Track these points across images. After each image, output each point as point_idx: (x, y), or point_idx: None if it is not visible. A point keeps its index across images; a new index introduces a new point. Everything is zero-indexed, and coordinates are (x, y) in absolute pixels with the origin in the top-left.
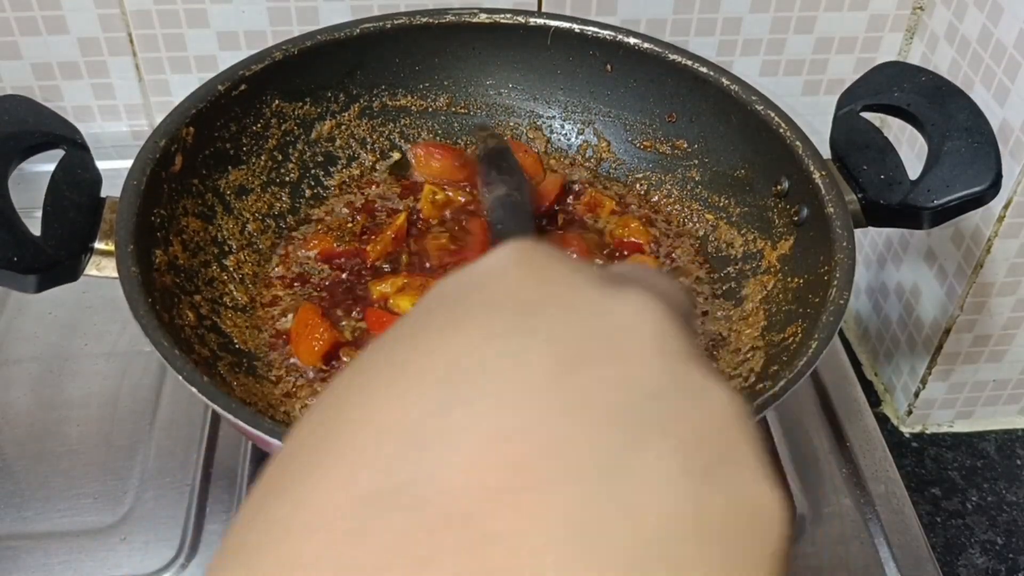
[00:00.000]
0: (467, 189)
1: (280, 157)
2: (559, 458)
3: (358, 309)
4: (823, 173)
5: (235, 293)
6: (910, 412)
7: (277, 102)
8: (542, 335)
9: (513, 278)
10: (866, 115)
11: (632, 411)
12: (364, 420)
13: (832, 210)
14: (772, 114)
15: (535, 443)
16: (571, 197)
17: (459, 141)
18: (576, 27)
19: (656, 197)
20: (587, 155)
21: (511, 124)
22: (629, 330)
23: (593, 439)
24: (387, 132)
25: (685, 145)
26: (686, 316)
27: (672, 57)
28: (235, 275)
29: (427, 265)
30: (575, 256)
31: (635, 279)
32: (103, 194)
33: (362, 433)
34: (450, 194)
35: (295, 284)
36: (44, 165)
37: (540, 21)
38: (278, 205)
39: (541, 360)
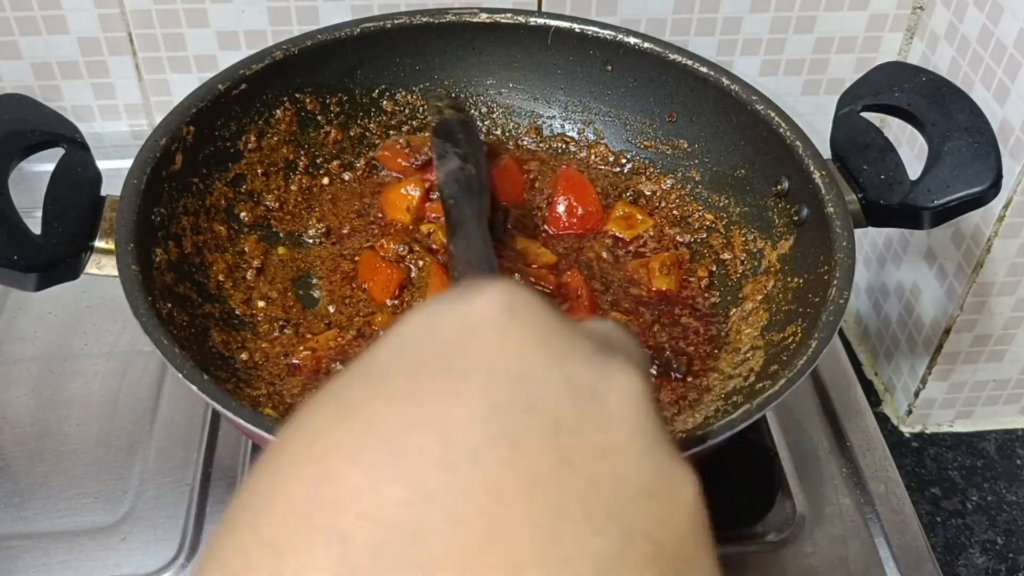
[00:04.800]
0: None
1: (280, 156)
2: (555, 564)
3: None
4: (823, 173)
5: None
6: (910, 412)
7: (277, 102)
8: (541, 419)
9: (511, 339)
10: (866, 115)
11: (624, 515)
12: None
13: (832, 210)
14: (772, 114)
15: (534, 547)
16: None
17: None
18: (576, 27)
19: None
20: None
21: (512, 124)
22: (621, 422)
23: (588, 547)
24: (388, 132)
25: (685, 145)
26: (643, 358)
27: (672, 57)
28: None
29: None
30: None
31: (618, 346)
32: (103, 193)
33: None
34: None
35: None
36: (44, 164)
37: (540, 21)
38: (276, 202)
39: (542, 451)
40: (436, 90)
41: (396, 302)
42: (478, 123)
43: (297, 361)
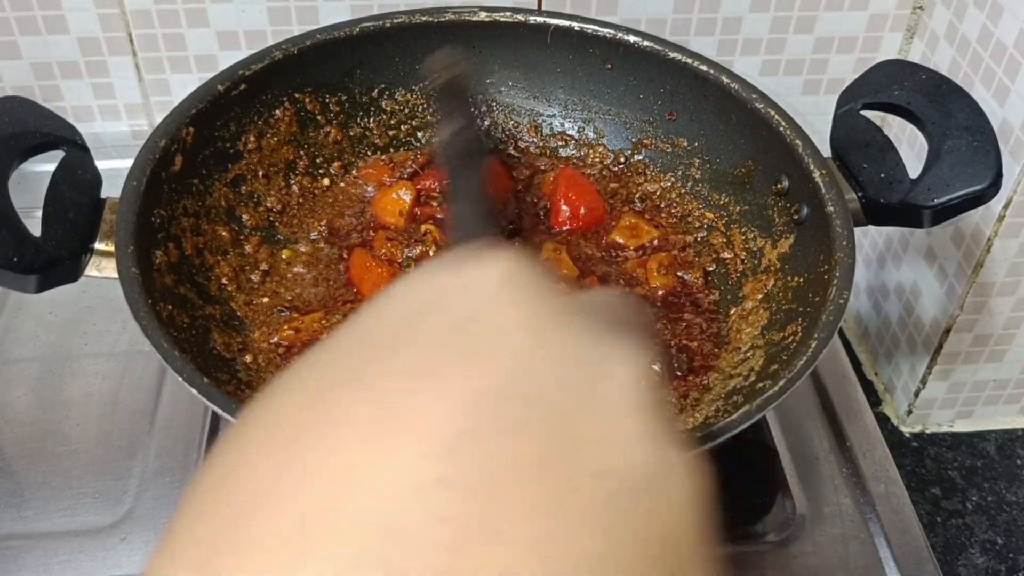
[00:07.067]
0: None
1: (280, 157)
2: (543, 564)
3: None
4: (823, 172)
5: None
6: (910, 412)
7: (277, 102)
8: (538, 409)
9: (511, 318)
10: (866, 113)
11: (618, 513)
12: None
13: (832, 209)
14: (772, 112)
15: (521, 547)
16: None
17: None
18: (576, 25)
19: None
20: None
21: (511, 122)
22: (618, 413)
23: (579, 547)
24: (388, 132)
25: (685, 143)
26: (651, 336)
27: (672, 55)
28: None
29: None
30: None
31: (624, 320)
32: (103, 194)
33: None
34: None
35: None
36: (44, 166)
37: (540, 19)
38: (278, 204)
39: (537, 444)
40: (436, 52)
41: None
42: (478, 122)
43: (278, 340)
